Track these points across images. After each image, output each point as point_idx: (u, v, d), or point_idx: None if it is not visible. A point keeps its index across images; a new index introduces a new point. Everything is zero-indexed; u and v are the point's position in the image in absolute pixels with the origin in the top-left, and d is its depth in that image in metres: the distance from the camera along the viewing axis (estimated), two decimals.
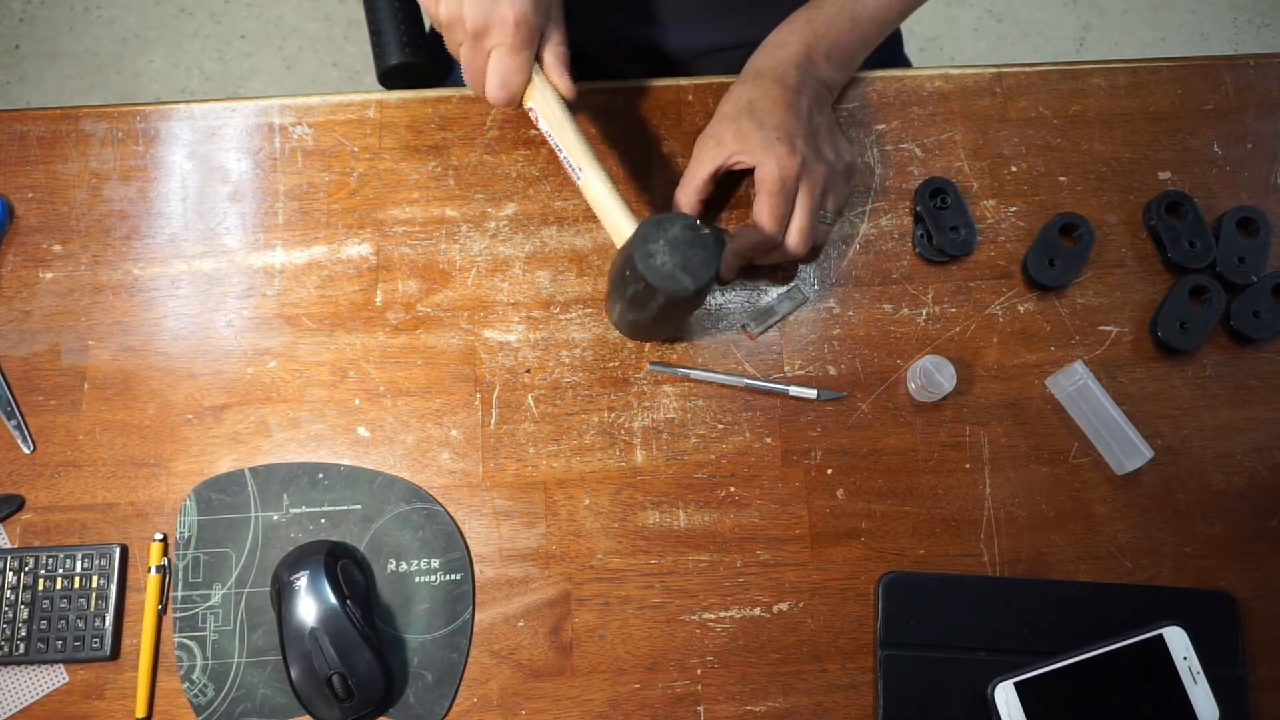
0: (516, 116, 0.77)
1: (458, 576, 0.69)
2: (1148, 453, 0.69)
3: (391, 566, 0.69)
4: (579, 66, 0.68)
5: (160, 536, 0.69)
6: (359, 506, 0.70)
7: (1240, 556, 0.70)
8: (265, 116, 0.78)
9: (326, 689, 0.63)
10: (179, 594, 0.68)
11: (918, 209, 0.75)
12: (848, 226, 0.76)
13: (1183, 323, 0.72)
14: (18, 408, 0.71)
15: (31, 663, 0.67)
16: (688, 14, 0.85)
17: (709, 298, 0.74)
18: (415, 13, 0.87)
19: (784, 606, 0.69)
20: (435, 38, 0.90)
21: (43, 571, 0.68)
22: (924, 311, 0.74)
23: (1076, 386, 0.71)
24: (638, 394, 0.72)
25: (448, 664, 0.67)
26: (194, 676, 0.67)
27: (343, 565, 0.66)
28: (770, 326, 0.74)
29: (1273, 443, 0.72)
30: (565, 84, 0.65)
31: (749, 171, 0.69)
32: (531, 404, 0.72)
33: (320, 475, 0.70)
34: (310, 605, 0.64)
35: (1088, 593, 0.69)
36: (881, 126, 0.78)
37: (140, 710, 0.66)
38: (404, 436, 0.71)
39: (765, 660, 0.68)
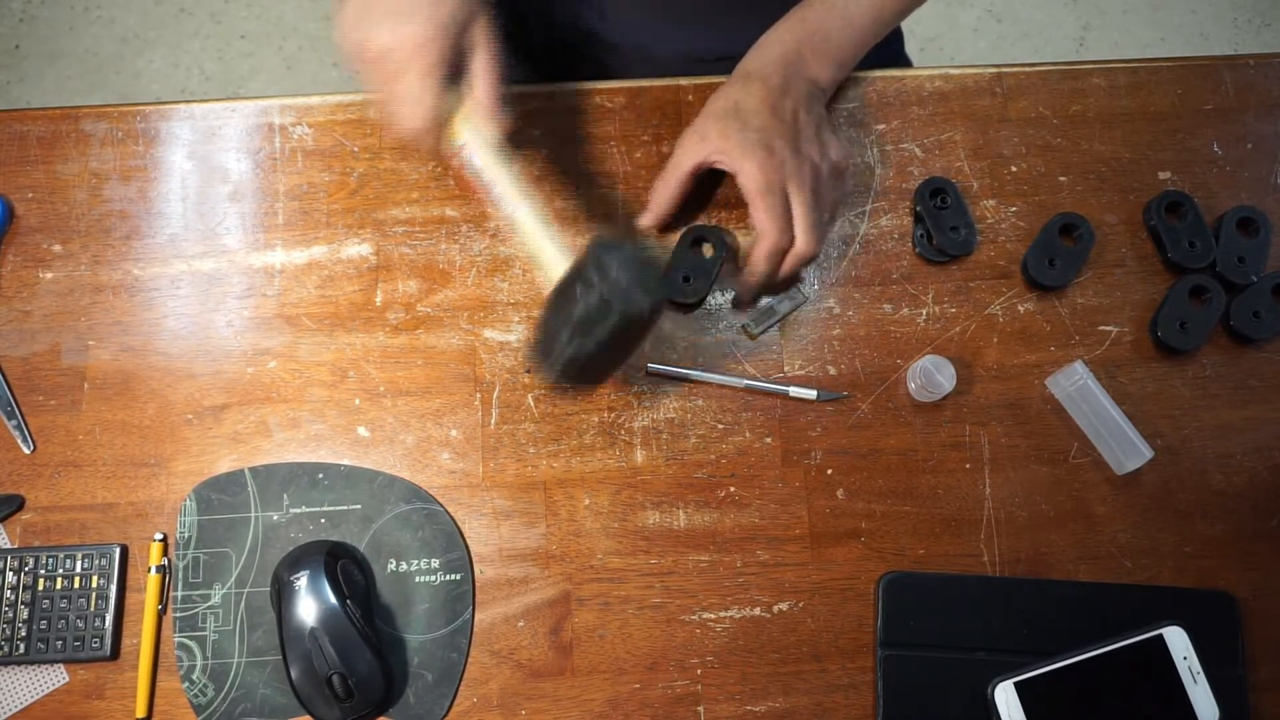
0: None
1: (458, 576, 0.69)
2: (1148, 453, 0.69)
3: (391, 566, 0.69)
4: (527, 60, 0.66)
5: (160, 536, 0.69)
6: (359, 506, 0.70)
7: (1240, 556, 0.70)
8: (265, 116, 0.78)
9: (326, 689, 0.63)
10: (179, 594, 0.68)
11: (918, 209, 0.75)
12: (848, 226, 0.76)
13: (1183, 323, 0.72)
14: (18, 408, 0.71)
15: (31, 663, 0.67)
16: (644, 12, 0.84)
17: (709, 298, 0.74)
18: None
19: (784, 606, 0.69)
20: None
21: (43, 571, 0.68)
22: (924, 311, 0.74)
23: (1076, 386, 0.71)
24: (638, 394, 0.72)
25: (448, 664, 0.67)
26: (194, 676, 0.67)
27: (343, 565, 0.66)
28: (770, 326, 0.74)
29: (1273, 443, 0.72)
30: (494, 116, 0.61)
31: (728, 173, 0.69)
32: (531, 404, 0.72)
33: (320, 475, 0.70)
34: (310, 605, 0.64)
35: (1088, 593, 0.69)
36: (881, 126, 0.78)
37: (140, 710, 0.66)
38: (404, 436, 0.71)
39: (765, 660, 0.68)
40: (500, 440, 0.71)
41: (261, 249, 0.75)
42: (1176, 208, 0.75)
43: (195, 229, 0.75)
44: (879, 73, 0.79)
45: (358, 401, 0.72)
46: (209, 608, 0.68)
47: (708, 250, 0.74)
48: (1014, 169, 0.77)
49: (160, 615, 0.68)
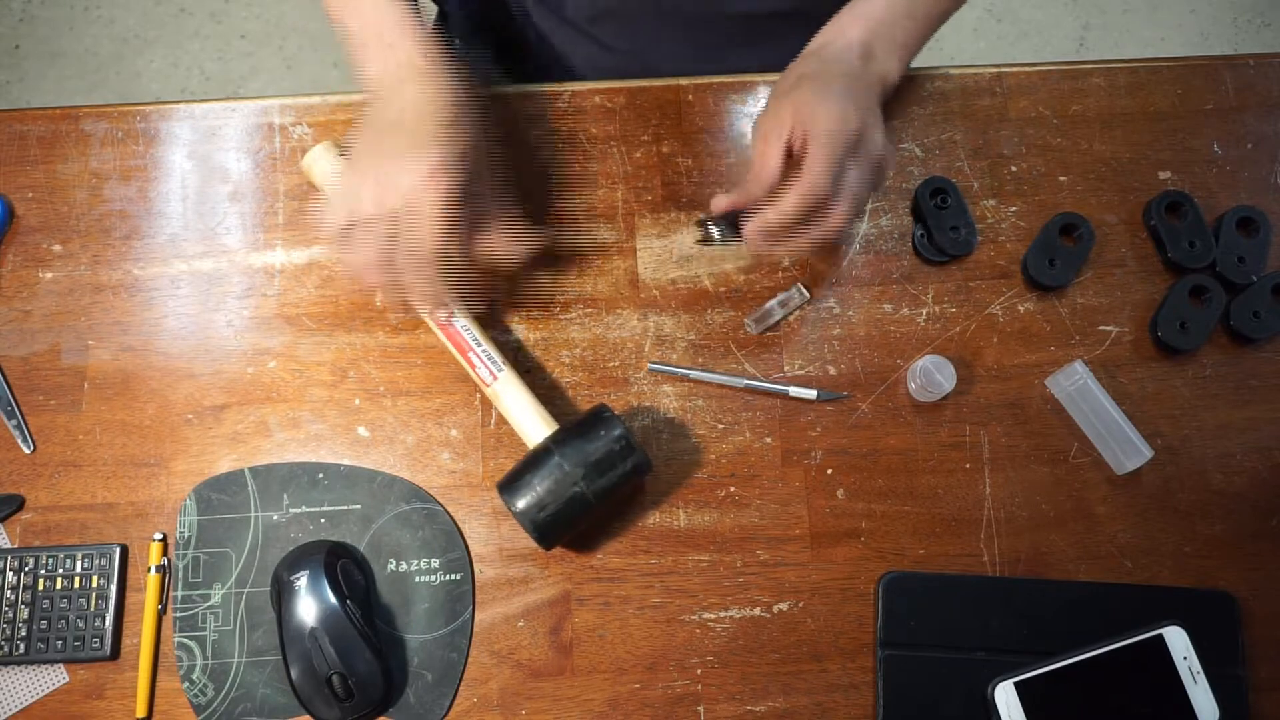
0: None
1: (458, 576, 0.69)
2: (1148, 452, 0.69)
3: (391, 566, 0.69)
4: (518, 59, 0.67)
5: (160, 536, 0.69)
6: (359, 506, 0.70)
7: (1240, 556, 0.70)
8: (265, 116, 0.78)
9: (326, 689, 0.63)
10: (179, 594, 0.68)
11: (918, 209, 0.75)
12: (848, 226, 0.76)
13: (1183, 323, 0.72)
14: (18, 408, 0.71)
15: (31, 663, 0.67)
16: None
17: (713, 302, 0.74)
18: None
19: (784, 606, 0.69)
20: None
21: (43, 571, 0.68)
22: (924, 311, 0.74)
23: (1076, 386, 0.71)
24: (638, 394, 0.72)
25: (448, 664, 0.67)
26: (194, 676, 0.67)
27: (342, 565, 0.66)
28: (770, 326, 0.74)
29: (1273, 443, 0.72)
30: (515, 250, 0.66)
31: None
32: None
33: (320, 475, 0.70)
34: (310, 605, 0.64)
35: (1088, 593, 0.69)
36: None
37: (140, 710, 0.66)
38: (404, 436, 0.71)
39: (765, 660, 0.68)
40: (500, 440, 0.71)
41: (261, 249, 0.75)
42: (1176, 208, 0.75)
43: (195, 229, 0.75)
44: None
45: (358, 401, 0.72)
46: (209, 608, 0.68)
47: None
48: (1014, 169, 0.77)
49: (160, 615, 0.68)
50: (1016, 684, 0.65)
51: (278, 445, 0.71)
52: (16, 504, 0.69)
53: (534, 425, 0.67)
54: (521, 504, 0.63)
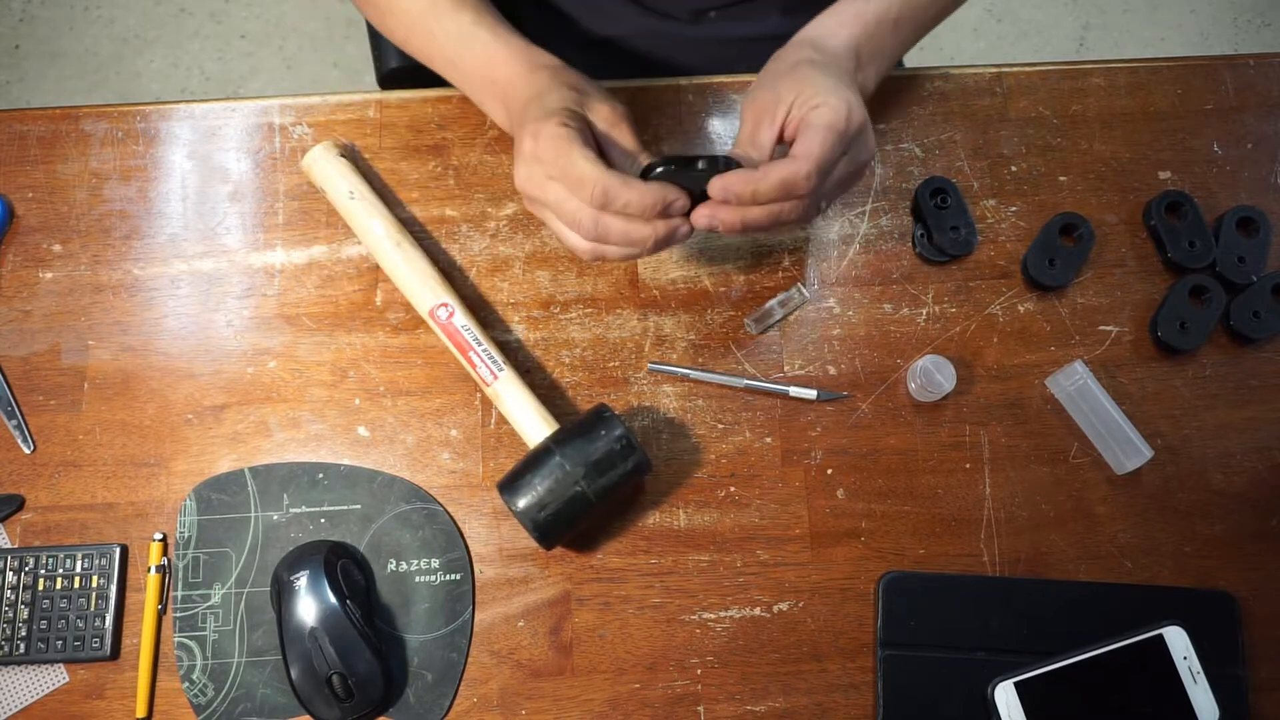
0: None
1: (458, 576, 0.69)
2: (1148, 452, 0.69)
3: (391, 566, 0.69)
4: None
5: (160, 536, 0.69)
6: (359, 506, 0.70)
7: (1240, 556, 0.70)
8: (265, 116, 0.78)
9: (326, 689, 0.63)
10: (179, 594, 0.68)
11: (918, 209, 0.75)
12: (848, 226, 0.76)
13: (1183, 323, 0.72)
14: (18, 408, 0.71)
15: (31, 663, 0.67)
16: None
17: (713, 302, 0.74)
18: None
19: (784, 606, 0.69)
20: None
21: (43, 571, 0.68)
22: (924, 311, 0.74)
23: (1076, 386, 0.71)
24: (638, 394, 0.72)
25: (448, 664, 0.67)
26: (194, 676, 0.67)
27: (342, 565, 0.66)
28: (770, 327, 0.74)
29: (1273, 443, 0.72)
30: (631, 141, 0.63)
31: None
32: None
33: (320, 475, 0.70)
34: (310, 605, 0.64)
35: (1088, 593, 0.69)
36: (881, 126, 0.78)
37: (140, 710, 0.66)
38: (404, 436, 0.71)
39: (765, 660, 0.68)
40: (500, 440, 0.71)
41: (261, 249, 0.75)
42: (1176, 208, 0.75)
43: (195, 229, 0.75)
44: None
45: (358, 401, 0.72)
46: (209, 608, 0.68)
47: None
48: (1014, 169, 0.77)
49: (160, 615, 0.68)
50: (1016, 684, 0.65)
51: (278, 445, 0.71)
52: (16, 504, 0.69)
53: (534, 425, 0.67)
54: (522, 503, 0.63)
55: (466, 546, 0.69)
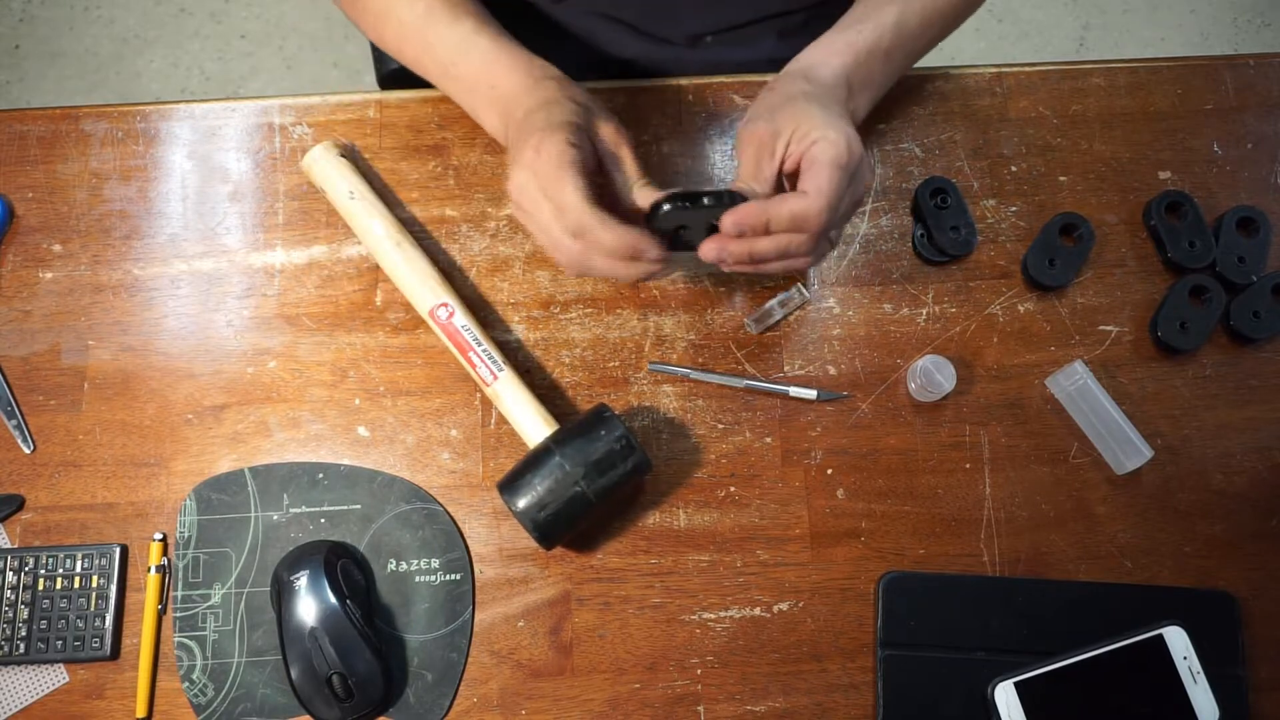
0: None
1: (458, 576, 0.69)
2: (1148, 452, 0.69)
3: (391, 566, 0.69)
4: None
5: (160, 536, 0.69)
6: (359, 506, 0.70)
7: (1240, 556, 0.70)
8: (265, 116, 0.78)
9: (326, 689, 0.63)
10: (179, 594, 0.68)
11: (918, 209, 0.75)
12: (848, 226, 0.76)
13: (1183, 323, 0.72)
14: (18, 408, 0.71)
15: (31, 663, 0.67)
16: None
17: (713, 302, 0.74)
18: None
19: (784, 606, 0.69)
20: None
21: (43, 571, 0.68)
22: (924, 311, 0.74)
23: (1076, 386, 0.71)
24: (638, 394, 0.72)
25: (448, 664, 0.67)
26: (194, 676, 0.67)
27: (342, 565, 0.66)
28: (770, 327, 0.74)
29: (1273, 443, 0.72)
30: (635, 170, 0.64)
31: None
32: None
33: (320, 475, 0.70)
34: (310, 605, 0.64)
35: (1088, 593, 0.69)
36: (881, 126, 0.78)
37: (140, 710, 0.66)
38: (404, 436, 0.71)
39: (765, 660, 0.68)
40: (500, 440, 0.71)
41: (261, 249, 0.75)
42: (1176, 208, 0.75)
43: (195, 229, 0.75)
44: None
45: (358, 401, 0.72)
46: (209, 608, 0.68)
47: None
48: (1014, 169, 0.77)
49: (160, 615, 0.68)
50: (1016, 684, 0.65)
51: (278, 445, 0.71)
52: (16, 504, 0.69)
53: (534, 425, 0.67)
54: (522, 503, 0.63)
55: (466, 546, 0.69)
